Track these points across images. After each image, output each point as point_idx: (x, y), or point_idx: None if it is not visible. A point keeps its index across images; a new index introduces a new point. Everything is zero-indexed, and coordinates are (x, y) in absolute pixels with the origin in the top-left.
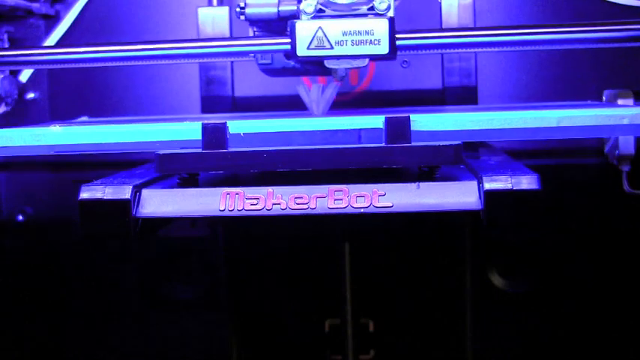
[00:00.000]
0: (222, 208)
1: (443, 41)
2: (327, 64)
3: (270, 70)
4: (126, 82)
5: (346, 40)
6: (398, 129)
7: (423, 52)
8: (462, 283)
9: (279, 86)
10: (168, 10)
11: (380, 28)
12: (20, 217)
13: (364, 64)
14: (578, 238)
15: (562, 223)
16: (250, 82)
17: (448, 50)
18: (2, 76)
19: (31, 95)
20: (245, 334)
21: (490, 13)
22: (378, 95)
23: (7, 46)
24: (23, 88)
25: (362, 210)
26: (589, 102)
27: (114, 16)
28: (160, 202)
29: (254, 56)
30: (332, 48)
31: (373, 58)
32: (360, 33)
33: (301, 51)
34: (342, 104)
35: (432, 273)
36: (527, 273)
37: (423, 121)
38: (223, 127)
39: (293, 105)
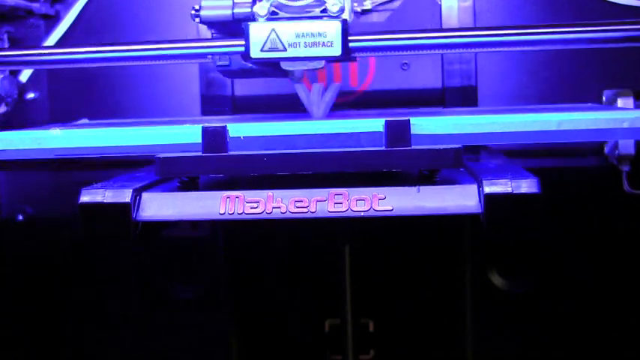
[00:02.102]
0: (222, 212)
1: (397, 43)
2: (283, 65)
3: (229, 72)
4: (126, 80)
5: (299, 42)
6: (398, 132)
7: (379, 54)
8: (462, 283)
9: (278, 85)
10: (168, 10)
11: (332, 30)
12: (20, 217)
13: (320, 66)
14: (578, 238)
15: (562, 223)
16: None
17: (404, 52)
18: (2, 76)
19: (31, 95)
20: (245, 334)
21: (490, 15)
22: (378, 96)
23: (7, 46)
24: (23, 88)
25: (362, 214)
26: (589, 104)
27: (114, 16)
28: (160, 206)
29: (212, 58)
30: (285, 50)
31: (327, 60)
32: (312, 35)
33: (255, 53)
34: (342, 105)
35: (432, 273)
36: (527, 273)
37: (423, 125)
38: (223, 131)
39: (294, 99)
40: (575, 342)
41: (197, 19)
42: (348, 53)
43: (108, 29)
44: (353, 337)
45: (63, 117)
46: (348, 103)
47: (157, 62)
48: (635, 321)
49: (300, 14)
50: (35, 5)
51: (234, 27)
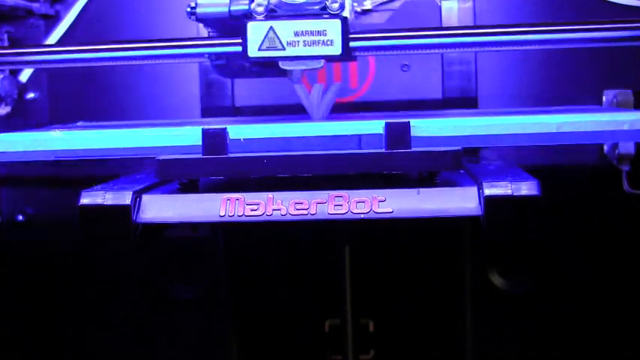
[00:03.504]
0: (222, 214)
1: (398, 42)
2: (282, 65)
3: (226, 72)
4: (126, 80)
5: (298, 41)
6: (398, 134)
7: (380, 53)
8: (462, 283)
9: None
10: (168, 10)
11: (332, 28)
12: (20, 217)
13: (320, 66)
14: (578, 238)
15: (562, 223)
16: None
17: (405, 51)
18: (2, 76)
19: (31, 95)
20: (245, 334)
21: (490, 15)
22: (378, 98)
23: (7, 45)
24: (23, 88)
25: (362, 216)
26: (589, 106)
27: (114, 16)
28: (160, 208)
29: (209, 57)
30: (284, 49)
31: (327, 59)
32: (312, 33)
33: (252, 52)
34: (342, 107)
35: (432, 273)
36: (527, 273)
37: (423, 127)
38: (223, 133)
39: (294, 100)
40: (575, 342)
41: (193, 17)
42: (348, 52)
43: (108, 29)
44: (353, 337)
45: (63, 117)
46: (347, 104)
47: (153, 62)
48: (635, 321)
49: (299, 12)
50: (35, 5)
51: (231, 25)
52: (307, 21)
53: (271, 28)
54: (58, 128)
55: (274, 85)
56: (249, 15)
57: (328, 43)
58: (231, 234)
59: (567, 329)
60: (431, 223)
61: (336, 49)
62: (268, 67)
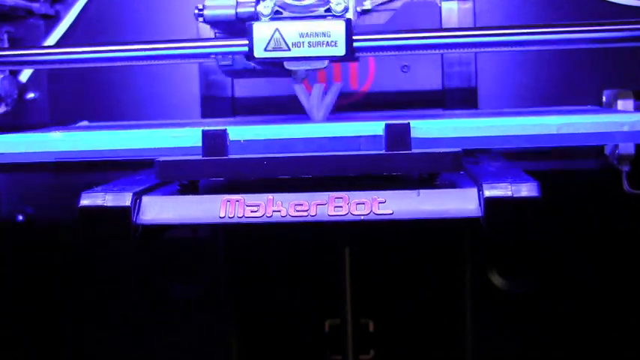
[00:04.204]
0: (222, 215)
1: (401, 43)
2: (287, 65)
3: (231, 72)
4: (127, 81)
5: (303, 42)
6: (398, 136)
7: (383, 53)
8: (462, 283)
9: (279, 87)
10: (168, 11)
11: (337, 29)
12: (20, 217)
13: (324, 66)
14: (578, 238)
15: (562, 223)
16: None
17: (408, 52)
18: (2, 76)
19: (31, 95)
20: (245, 334)
21: (489, 16)
22: (378, 98)
23: (7, 46)
24: (23, 88)
25: (362, 217)
26: (589, 107)
27: (114, 16)
28: (160, 210)
29: (215, 58)
30: (289, 50)
31: (331, 59)
32: (316, 35)
33: (258, 52)
34: (342, 107)
35: (432, 273)
36: (527, 273)
37: (423, 128)
38: (223, 134)
39: (294, 101)
40: (575, 342)
41: (200, 19)
42: (352, 53)
43: (108, 29)
44: (353, 337)
45: (63, 117)
46: (348, 105)
47: (160, 62)
48: (635, 321)
49: (304, 14)
50: (35, 5)
51: (237, 26)
52: (312, 22)
53: (277, 29)
54: (58, 129)
55: (275, 85)
56: (255, 17)
57: (332, 44)
58: (231, 234)
59: (567, 329)
60: (431, 224)
61: (340, 50)
62: (273, 67)
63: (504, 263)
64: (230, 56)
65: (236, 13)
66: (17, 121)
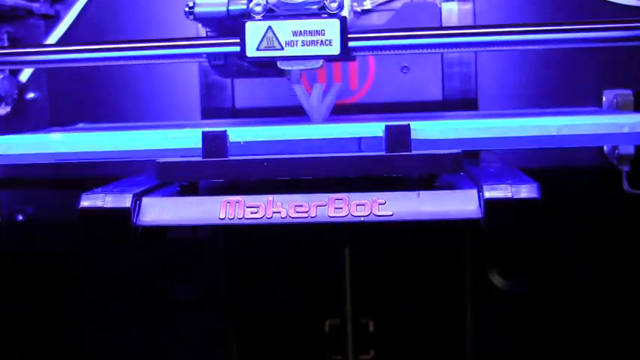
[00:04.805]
0: (222, 217)
1: (397, 42)
2: (280, 65)
3: (224, 71)
4: (127, 81)
5: (297, 41)
6: (398, 137)
7: (379, 53)
8: (462, 284)
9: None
10: (168, 11)
11: (331, 28)
12: (20, 217)
13: (318, 66)
14: (578, 238)
15: (562, 223)
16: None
17: (404, 51)
18: (2, 76)
19: (31, 95)
20: (245, 334)
21: (489, 16)
22: (378, 100)
23: (7, 45)
24: (23, 88)
25: (362, 219)
26: (589, 108)
27: (114, 16)
28: (160, 211)
29: (207, 57)
30: (282, 49)
31: (326, 59)
32: (310, 33)
33: (251, 52)
34: (342, 108)
35: (432, 273)
36: (527, 273)
37: (423, 130)
38: (223, 135)
39: (294, 101)
40: (575, 342)
41: (191, 17)
42: (347, 52)
43: (108, 29)
44: (353, 337)
45: (63, 117)
46: (347, 106)
47: (151, 62)
48: (635, 321)
49: (297, 12)
50: (35, 5)
51: (229, 25)
52: (306, 21)
53: (269, 27)
54: (57, 130)
55: (275, 86)
56: (247, 15)
57: (327, 42)
58: (231, 234)
59: (567, 329)
60: (431, 225)
61: (335, 49)
62: (267, 67)
63: (504, 263)
64: (222, 56)
65: (227, 10)
66: (17, 120)
